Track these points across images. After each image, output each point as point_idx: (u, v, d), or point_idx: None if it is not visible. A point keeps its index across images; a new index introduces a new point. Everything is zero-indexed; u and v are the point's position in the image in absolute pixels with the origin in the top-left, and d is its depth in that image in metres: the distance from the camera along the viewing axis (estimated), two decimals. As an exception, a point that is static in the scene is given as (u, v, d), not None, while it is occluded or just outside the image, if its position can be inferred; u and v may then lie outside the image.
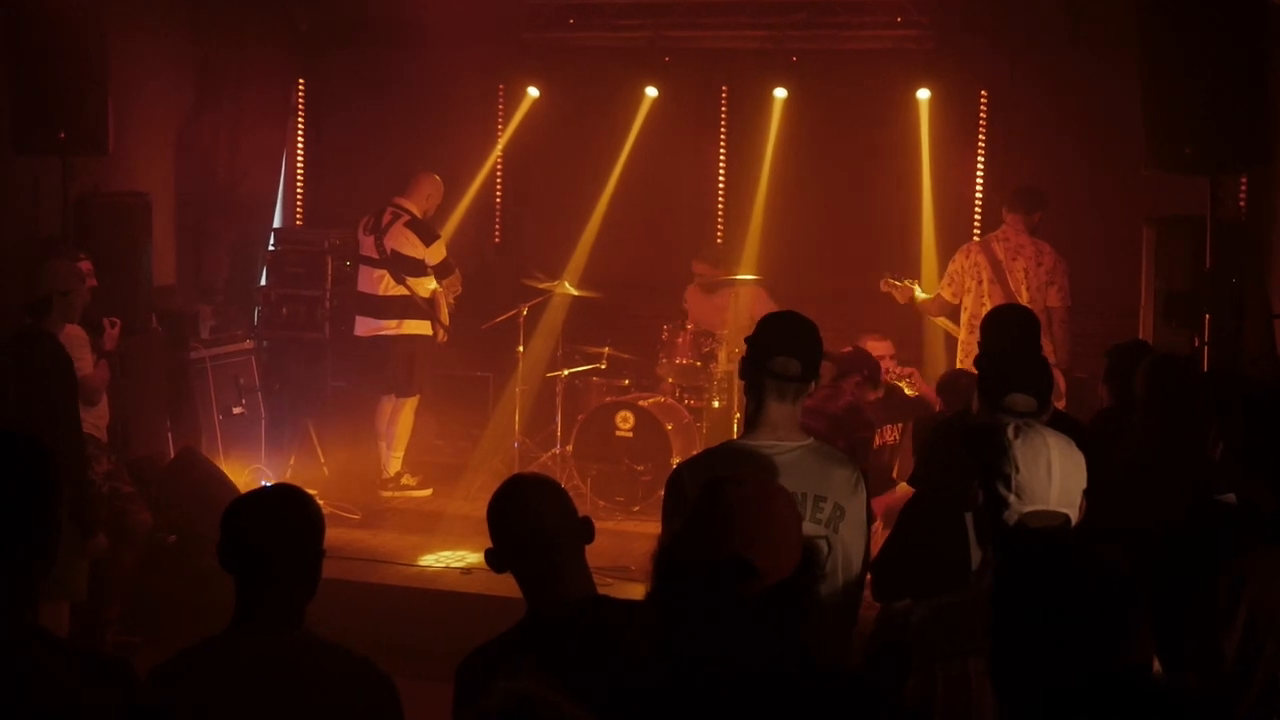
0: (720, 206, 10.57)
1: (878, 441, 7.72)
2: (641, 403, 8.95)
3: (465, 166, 10.25)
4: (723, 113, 10.50)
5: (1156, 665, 2.77)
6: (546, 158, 10.71)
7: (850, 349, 7.48)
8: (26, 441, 2.68)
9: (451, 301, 9.24)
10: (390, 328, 9.05)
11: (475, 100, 10.48)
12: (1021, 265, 8.02)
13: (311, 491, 3.20)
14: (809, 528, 3.40)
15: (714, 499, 2.46)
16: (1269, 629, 3.12)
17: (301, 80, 10.87)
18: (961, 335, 8.23)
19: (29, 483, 2.62)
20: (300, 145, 10.96)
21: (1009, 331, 5.28)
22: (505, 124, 10.52)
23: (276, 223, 10.62)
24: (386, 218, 9.02)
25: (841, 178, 9.98)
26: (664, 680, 2.40)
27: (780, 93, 9.84)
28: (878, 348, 8.01)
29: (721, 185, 10.57)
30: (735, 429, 8.69)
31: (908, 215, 9.70)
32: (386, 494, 9.14)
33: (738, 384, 8.35)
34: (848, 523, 3.62)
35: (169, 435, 8.78)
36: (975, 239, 9.03)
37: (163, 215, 8.98)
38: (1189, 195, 7.28)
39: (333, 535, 3.15)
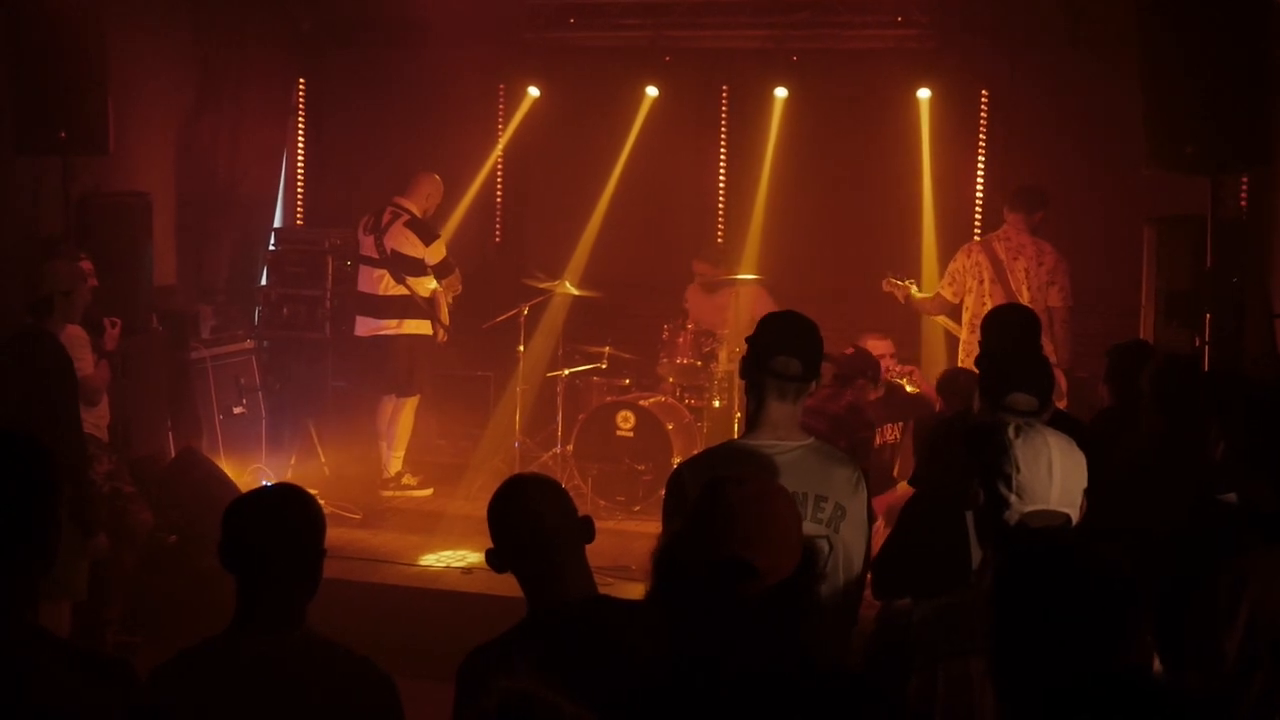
0: (721, 206, 10.58)
1: (878, 440, 7.72)
2: (642, 402, 8.95)
3: (466, 166, 10.25)
4: (723, 112, 10.50)
5: (1157, 665, 2.77)
6: (547, 157, 10.71)
7: (852, 351, 7.48)
8: (27, 442, 2.68)
9: (451, 301, 9.24)
10: (390, 327, 9.05)
11: (476, 100, 10.48)
12: (1023, 265, 8.02)
13: (312, 491, 3.20)
14: (810, 527, 3.40)
15: (714, 499, 2.47)
16: (1270, 629, 3.12)
17: (302, 80, 10.87)
18: (963, 335, 8.24)
19: (29, 483, 2.62)
20: (301, 145, 10.96)
21: (1010, 331, 5.28)
22: (506, 124, 10.53)
23: (277, 222, 10.62)
24: (386, 217, 9.02)
25: (842, 177, 9.98)
26: (665, 680, 2.40)
27: (781, 92, 9.84)
28: (878, 347, 8.01)
29: (722, 185, 10.57)
30: (736, 429, 8.69)
31: (908, 215, 9.70)
32: (387, 494, 9.14)
33: (738, 384, 8.35)
34: (849, 522, 3.62)
35: (170, 435, 8.77)
36: (976, 238, 9.03)
37: (163, 215, 8.98)
38: (1190, 195, 7.27)
39: (333, 535, 3.15)
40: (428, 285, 9.07)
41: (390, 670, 3.02)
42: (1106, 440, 4.78)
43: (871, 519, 3.73)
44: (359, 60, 10.74)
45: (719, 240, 10.43)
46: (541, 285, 9.24)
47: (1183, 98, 6.76)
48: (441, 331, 9.16)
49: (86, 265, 6.79)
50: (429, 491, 9.23)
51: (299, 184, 10.99)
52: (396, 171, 9.53)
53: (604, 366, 9.51)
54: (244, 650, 2.93)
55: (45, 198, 7.79)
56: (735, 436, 5.17)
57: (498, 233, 11.10)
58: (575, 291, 9.34)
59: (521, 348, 9.29)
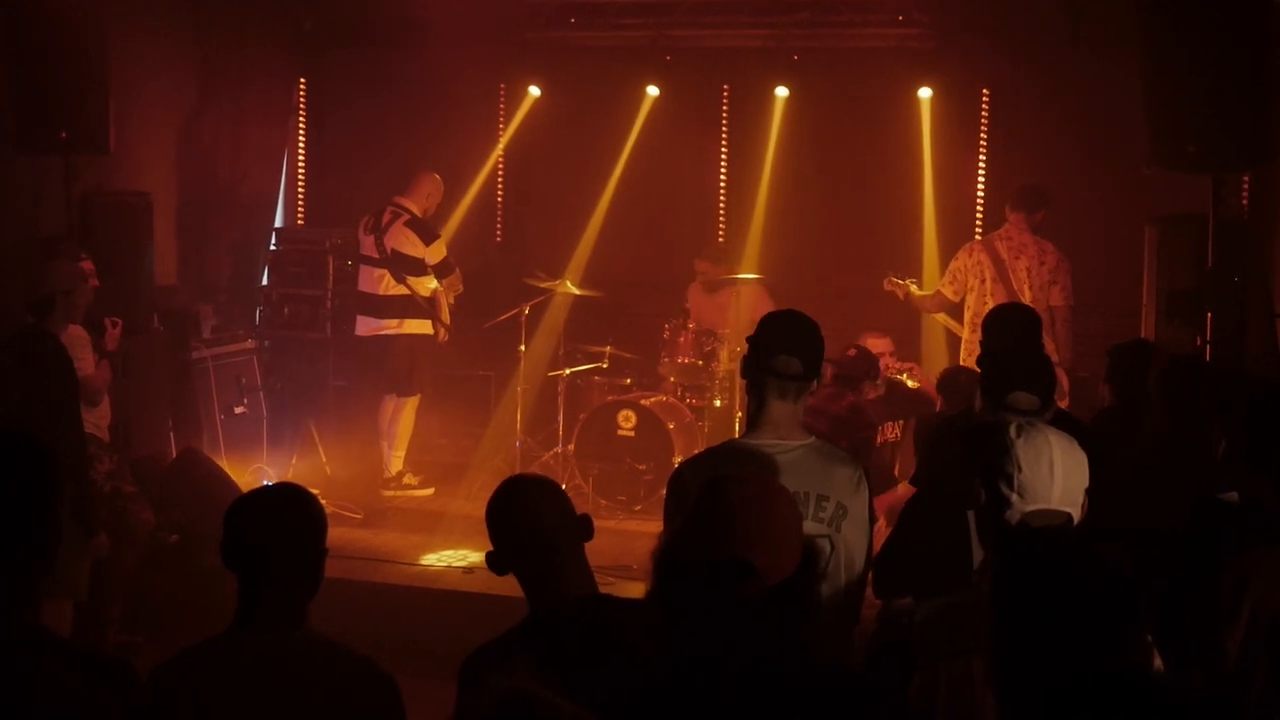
0: (722, 205, 10.57)
1: (879, 439, 7.73)
2: (643, 402, 8.95)
3: (467, 166, 10.25)
4: (724, 112, 10.50)
5: (1159, 663, 2.76)
6: (548, 157, 10.71)
7: (854, 353, 7.48)
8: (27, 442, 2.68)
9: (452, 301, 9.24)
10: (391, 327, 9.05)
11: (477, 99, 10.48)
12: (1024, 264, 8.02)
13: (313, 491, 3.20)
14: (811, 527, 3.40)
15: (715, 498, 2.46)
16: (1272, 628, 3.12)
17: (303, 80, 10.87)
18: (964, 334, 8.23)
19: (29, 483, 2.62)
20: (302, 145, 10.96)
21: (1011, 330, 5.28)
22: (507, 123, 10.52)
23: (278, 222, 10.61)
24: (386, 217, 9.02)
25: (843, 176, 9.98)
26: (665, 679, 2.40)
27: (782, 91, 9.84)
28: (876, 345, 8.03)
29: (723, 184, 10.57)
30: (737, 428, 8.69)
31: (909, 214, 9.69)
32: (388, 493, 9.14)
33: (739, 383, 8.34)
34: (850, 522, 3.61)
35: (171, 435, 8.77)
36: (978, 237, 9.03)
37: (164, 215, 8.98)
38: (1191, 194, 7.27)
39: (335, 534, 3.15)
40: (428, 285, 9.07)
41: (392, 670, 3.02)
42: (1108, 440, 4.78)
43: (873, 518, 3.73)
44: (360, 60, 10.74)
45: (720, 239, 10.43)
46: (542, 285, 9.24)
47: (1184, 96, 6.76)
48: (443, 331, 9.16)
49: (87, 265, 6.79)
50: (430, 491, 9.23)
51: (300, 183, 10.99)
52: (397, 171, 9.53)
53: (605, 366, 9.51)
54: (245, 650, 2.93)
55: (46, 197, 7.79)
56: (736, 436, 5.16)
57: (499, 232, 11.11)
58: (576, 291, 9.34)
59: (523, 347, 9.29)
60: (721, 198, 10.57)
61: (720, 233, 10.52)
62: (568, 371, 9.36)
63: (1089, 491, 2.90)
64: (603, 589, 3.17)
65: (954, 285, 8.23)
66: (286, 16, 10.28)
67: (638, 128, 10.09)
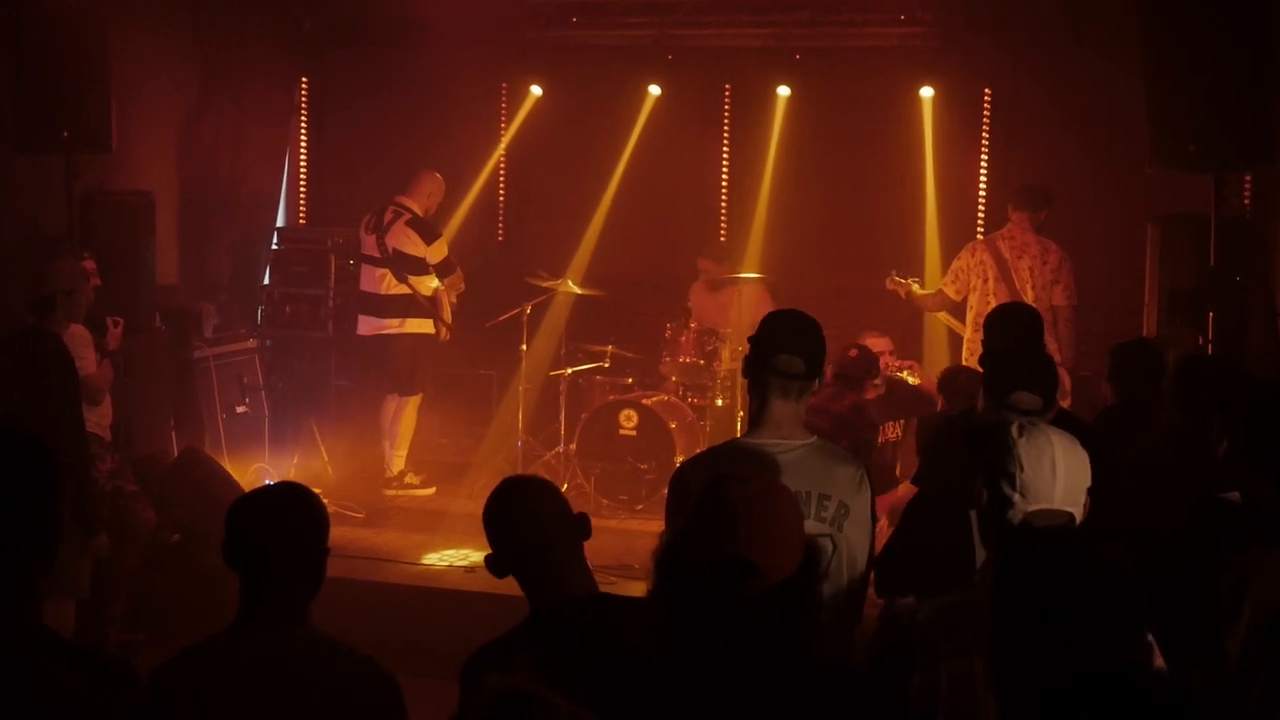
0: (723, 205, 10.57)
1: (880, 439, 7.73)
2: (645, 401, 8.95)
3: (468, 165, 10.25)
4: (726, 111, 10.49)
5: (1160, 663, 2.76)
6: (549, 156, 10.70)
7: (855, 353, 7.48)
8: (28, 441, 2.68)
9: (454, 300, 9.24)
10: (393, 326, 9.05)
11: (478, 99, 10.48)
12: (1027, 263, 8.02)
13: (315, 490, 3.20)
14: (813, 526, 3.40)
15: (717, 498, 2.46)
16: (1272, 627, 3.12)
17: (304, 79, 10.87)
18: (967, 333, 8.24)
19: (30, 483, 2.62)
20: (303, 144, 10.96)
21: (1013, 330, 5.28)
22: (508, 122, 10.52)
23: (279, 221, 10.62)
24: (388, 216, 9.02)
25: (845, 175, 9.97)
26: (667, 679, 2.40)
27: (783, 91, 9.83)
28: (876, 344, 8.02)
29: (724, 183, 10.57)
30: (739, 427, 8.68)
31: (911, 213, 9.69)
32: (390, 492, 9.14)
33: (741, 382, 8.31)
34: (852, 521, 3.61)
35: (172, 434, 8.77)
36: (980, 237, 9.03)
37: (166, 214, 8.98)
38: (1193, 193, 7.27)
39: (336, 534, 3.15)
40: (430, 284, 9.07)
41: (393, 669, 3.02)
42: (1110, 439, 4.78)
43: (874, 518, 3.73)
44: (361, 59, 10.74)
45: (721, 239, 10.43)
46: (544, 284, 9.23)
47: (1186, 96, 6.76)
48: (444, 330, 9.16)
49: (89, 264, 6.79)
50: (432, 490, 9.24)
51: (301, 183, 11.00)
52: (399, 170, 9.53)
53: (607, 365, 9.50)
54: (247, 649, 2.93)
55: (48, 197, 7.79)
56: (738, 435, 5.17)
57: (500, 231, 11.11)
58: (578, 290, 9.33)
59: (524, 346, 9.28)
60: (723, 197, 10.57)
61: (722, 232, 10.51)
62: (569, 371, 9.35)
63: (1091, 491, 2.90)
64: (604, 588, 3.17)
65: (956, 284, 8.23)
66: (287, 16, 10.28)
67: (639, 127, 10.08)
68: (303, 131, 10.94)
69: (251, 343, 9.62)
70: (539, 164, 10.88)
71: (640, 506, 8.68)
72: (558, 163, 10.65)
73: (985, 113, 9.88)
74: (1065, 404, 6.36)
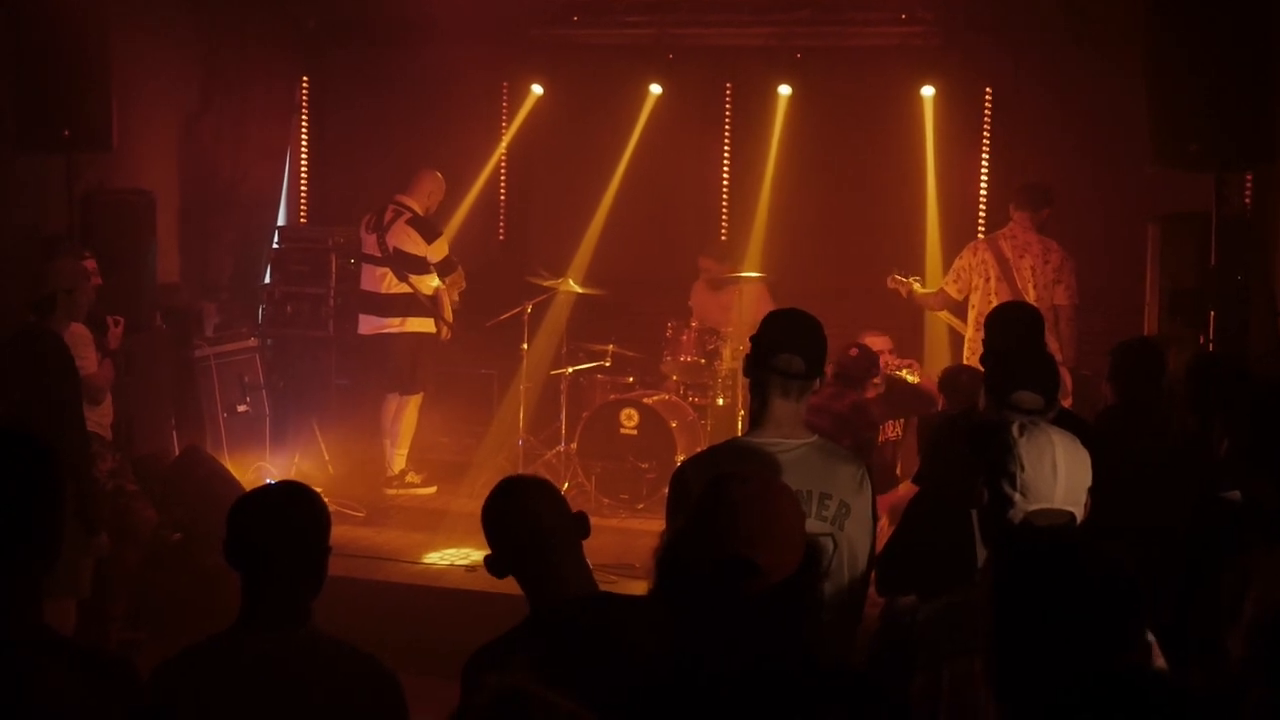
0: (724, 204, 10.57)
1: (880, 438, 7.74)
2: (646, 400, 8.95)
3: (469, 164, 10.24)
4: (727, 110, 10.49)
5: (1160, 663, 2.76)
6: (551, 155, 10.70)
7: (856, 352, 7.48)
8: (28, 441, 2.67)
9: (455, 299, 9.23)
10: (394, 325, 9.06)
11: (479, 97, 10.48)
12: (1029, 263, 8.02)
13: (316, 489, 3.20)
14: (814, 525, 3.40)
15: (718, 497, 2.46)
16: (1273, 627, 3.12)
17: (305, 78, 10.87)
18: (968, 333, 8.23)
19: (30, 482, 2.61)
20: (304, 143, 10.96)
21: (1015, 329, 5.27)
22: (509, 121, 10.51)
23: (280, 220, 10.62)
24: (388, 215, 9.02)
25: (846, 175, 9.97)
26: (667, 677, 2.40)
27: (785, 90, 9.82)
28: (876, 343, 8.03)
29: (725, 182, 10.56)
30: (740, 426, 8.68)
31: (912, 212, 9.68)
32: (391, 491, 9.14)
33: (742, 381, 8.33)
34: (853, 520, 3.61)
35: (173, 433, 8.78)
36: (982, 236, 9.02)
37: (167, 213, 8.98)
38: (1194, 192, 7.27)
39: (337, 533, 3.15)
40: (430, 283, 9.07)
41: (394, 668, 3.03)
42: (1110, 439, 4.78)
43: (875, 517, 3.73)
44: (362, 58, 10.73)
45: (722, 238, 10.43)
46: (545, 283, 9.23)
47: (1187, 95, 6.76)
48: (445, 329, 9.16)
49: (90, 263, 6.79)
50: (432, 489, 9.24)
51: (302, 182, 11.00)
52: (400, 169, 9.53)
53: (608, 364, 9.50)
54: (248, 648, 2.93)
55: (48, 196, 7.79)
56: (739, 434, 5.16)
57: (501, 230, 11.10)
58: (579, 289, 9.33)
59: (525, 345, 9.29)
60: (724, 196, 10.57)
61: (723, 231, 10.51)
62: (570, 370, 9.36)
63: (1092, 490, 2.90)
64: (605, 587, 3.17)
65: (958, 283, 8.23)
66: (289, 15, 10.29)
67: (640, 126, 10.07)
68: (304, 130, 10.93)
69: (252, 342, 9.63)
70: (540, 163, 10.88)
71: (641, 505, 8.69)
72: (559, 161, 10.65)
73: (986, 112, 9.87)
74: (1066, 403, 6.35)
